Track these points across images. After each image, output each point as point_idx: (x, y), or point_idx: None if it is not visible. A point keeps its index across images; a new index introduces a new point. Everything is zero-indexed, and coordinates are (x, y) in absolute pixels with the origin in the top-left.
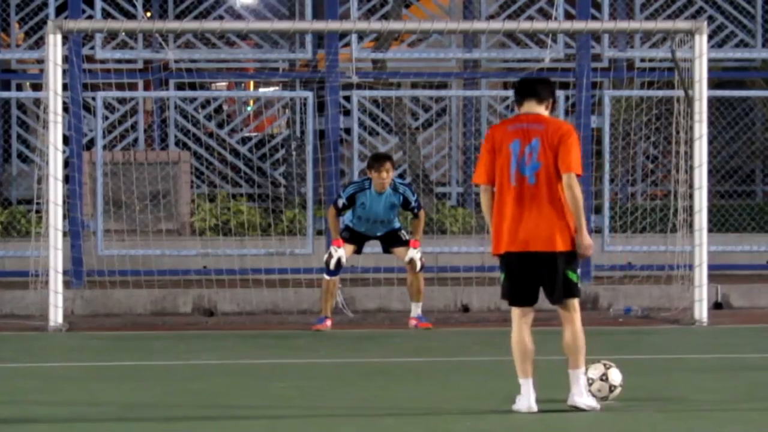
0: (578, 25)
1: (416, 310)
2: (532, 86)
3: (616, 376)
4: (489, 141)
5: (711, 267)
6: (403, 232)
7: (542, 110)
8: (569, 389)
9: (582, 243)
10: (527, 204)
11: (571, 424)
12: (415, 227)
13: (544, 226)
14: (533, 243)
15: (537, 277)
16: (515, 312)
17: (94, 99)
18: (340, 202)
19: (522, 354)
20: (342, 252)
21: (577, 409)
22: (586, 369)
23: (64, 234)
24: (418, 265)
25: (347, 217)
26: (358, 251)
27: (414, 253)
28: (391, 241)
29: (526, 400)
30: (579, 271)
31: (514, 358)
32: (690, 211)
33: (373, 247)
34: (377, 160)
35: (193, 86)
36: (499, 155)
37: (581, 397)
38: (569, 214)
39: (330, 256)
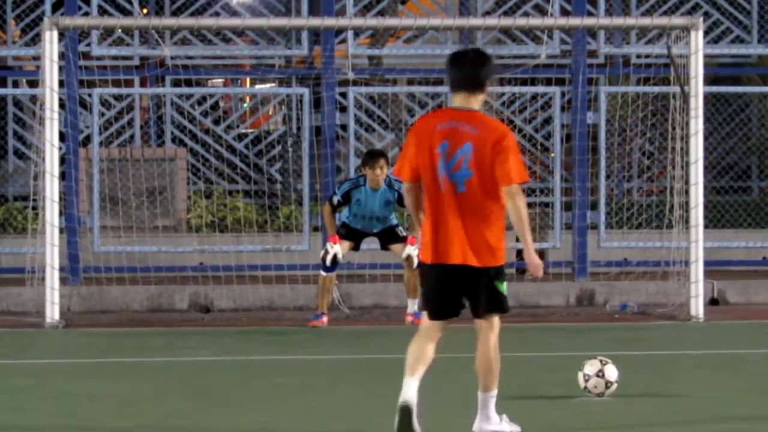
0: (574, 21)
1: (412, 306)
2: (467, 73)
3: (612, 372)
4: (414, 135)
5: (707, 263)
6: (400, 228)
7: (476, 104)
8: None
9: (531, 263)
10: (455, 214)
11: (570, 421)
12: (413, 226)
13: (472, 239)
14: (459, 256)
15: (459, 292)
16: (426, 325)
17: (90, 96)
18: (335, 199)
19: (417, 356)
20: (338, 248)
21: None
22: (582, 365)
23: (61, 231)
24: (416, 261)
25: (344, 215)
26: (356, 248)
27: (411, 250)
28: (389, 237)
29: (404, 392)
30: (505, 285)
31: (408, 357)
32: (686, 207)
33: (369, 244)
34: (372, 156)
35: (189, 83)
36: (425, 154)
37: (488, 423)
38: (500, 227)
39: (326, 252)
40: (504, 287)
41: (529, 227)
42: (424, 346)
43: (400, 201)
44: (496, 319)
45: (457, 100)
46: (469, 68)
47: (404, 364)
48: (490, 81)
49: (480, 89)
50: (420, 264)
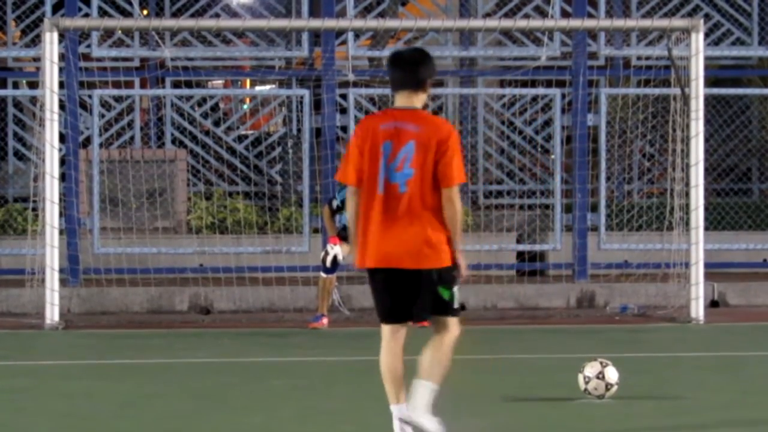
0: (574, 23)
1: None
2: (408, 72)
3: (612, 374)
4: (358, 137)
5: (707, 265)
6: None
7: (419, 102)
8: (412, 398)
9: (462, 264)
10: (396, 215)
11: (568, 421)
12: None
13: (414, 241)
14: (400, 260)
15: (404, 294)
16: (385, 330)
17: (90, 97)
18: (335, 203)
19: (393, 378)
20: (338, 249)
21: (407, 423)
22: (583, 367)
23: (61, 232)
24: None
25: (344, 218)
26: None
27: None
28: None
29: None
30: (456, 290)
31: (384, 381)
32: (686, 209)
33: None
34: None
35: (189, 84)
36: (367, 156)
37: (423, 414)
38: (443, 227)
39: (326, 253)
40: (447, 292)
41: (461, 229)
42: (394, 361)
43: None
44: (449, 323)
45: (399, 100)
46: (409, 68)
47: (386, 388)
48: (431, 79)
49: (421, 88)
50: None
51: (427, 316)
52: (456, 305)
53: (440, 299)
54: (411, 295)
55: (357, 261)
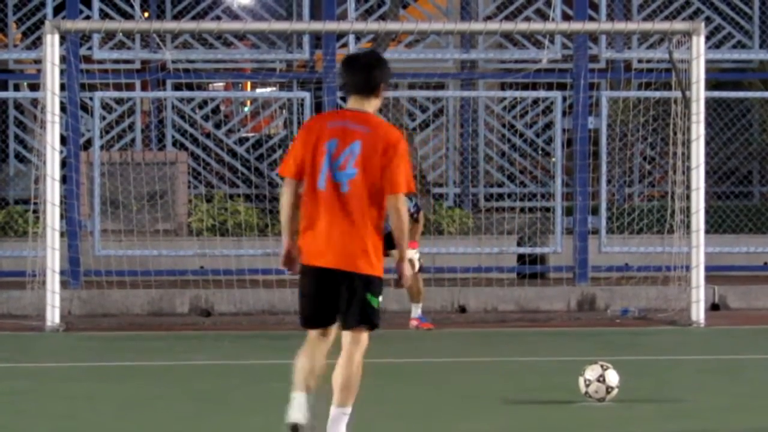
0: (575, 26)
1: (416, 310)
2: (361, 76)
3: (613, 377)
4: (303, 132)
5: (708, 268)
6: None
7: (371, 107)
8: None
9: (403, 273)
10: (335, 214)
11: (568, 424)
12: (413, 230)
13: (350, 243)
14: (334, 259)
15: (334, 297)
16: (310, 334)
17: (91, 99)
18: None
19: (309, 369)
20: None
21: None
22: (583, 370)
23: (62, 234)
24: (416, 266)
25: None
26: None
27: (411, 254)
28: (388, 243)
29: (296, 410)
30: (381, 298)
31: (296, 372)
32: (687, 212)
33: None
34: None
35: (190, 87)
36: (311, 151)
37: None
38: (380, 236)
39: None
40: (376, 301)
41: (407, 237)
42: (312, 360)
43: None
44: (364, 336)
45: (351, 104)
46: (363, 72)
47: (296, 377)
48: (385, 85)
49: (374, 93)
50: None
51: (353, 325)
52: (379, 316)
53: (368, 307)
54: (339, 299)
55: (302, 257)
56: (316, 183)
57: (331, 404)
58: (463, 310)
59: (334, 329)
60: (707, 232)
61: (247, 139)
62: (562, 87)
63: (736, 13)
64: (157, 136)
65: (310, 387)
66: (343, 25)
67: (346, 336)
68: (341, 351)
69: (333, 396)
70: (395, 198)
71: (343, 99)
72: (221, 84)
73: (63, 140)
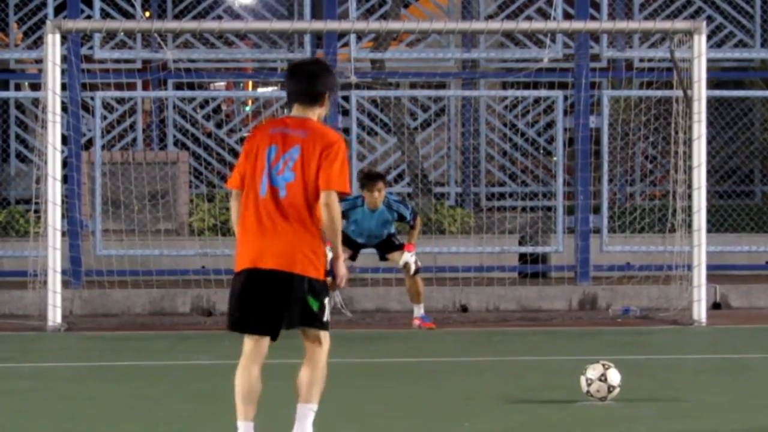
0: (577, 25)
1: (418, 310)
2: (304, 85)
3: (614, 376)
4: (247, 143)
5: (709, 267)
6: (397, 237)
7: (313, 114)
8: (292, 425)
9: (337, 272)
10: (273, 219)
11: (570, 424)
12: (411, 234)
13: (288, 246)
14: (271, 261)
15: (272, 300)
16: (246, 343)
17: (92, 99)
18: None
19: (246, 393)
20: None
21: None
22: (585, 369)
23: (63, 234)
24: (413, 268)
25: (343, 226)
26: (353, 257)
27: (408, 257)
28: (386, 247)
29: None
30: (327, 302)
31: (235, 396)
32: (689, 211)
33: (370, 248)
34: (369, 179)
35: (191, 86)
36: (252, 158)
37: None
38: (321, 239)
39: (325, 257)
40: (316, 303)
41: (339, 236)
42: (249, 379)
43: (400, 219)
44: (323, 336)
45: (294, 111)
46: (306, 81)
47: (236, 403)
48: (329, 93)
49: (318, 102)
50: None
51: (297, 323)
52: (326, 318)
53: (309, 310)
54: (277, 302)
55: (236, 266)
56: (257, 190)
57: (297, 402)
58: (464, 309)
59: (266, 342)
60: (709, 231)
61: None
62: (563, 86)
63: (738, 12)
64: (158, 136)
65: (250, 413)
66: (344, 25)
67: (306, 340)
68: (305, 354)
69: (298, 394)
70: (327, 194)
71: (345, 98)
72: (222, 83)
73: (64, 140)
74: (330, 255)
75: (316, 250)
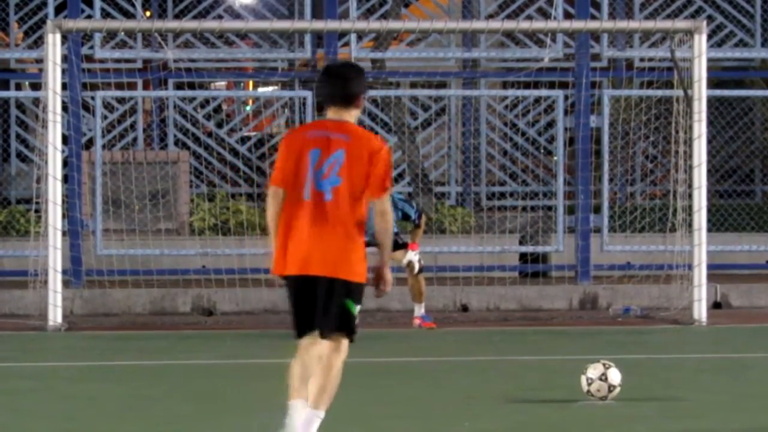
0: (577, 24)
1: (419, 310)
2: (339, 88)
3: (615, 375)
4: (285, 143)
5: (710, 267)
6: (400, 236)
7: (349, 116)
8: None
9: (384, 277)
10: (318, 223)
11: (570, 423)
12: (415, 233)
13: (332, 250)
14: (314, 266)
15: (317, 303)
16: (301, 343)
17: (93, 98)
18: None
19: (301, 373)
20: None
21: None
22: (585, 369)
23: (63, 233)
24: (416, 267)
25: None
26: None
27: (412, 256)
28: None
29: (291, 423)
30: (359, 307)
31: (290, 378)
32: (689, 210)
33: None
34: None
35: (192, 86)
36: (294, 161)
37: None
38: (363, 243)
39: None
40: (355, 309)
41: (391, 241)
42: (304, 363)
43: (404, 218)
44: (344, 343)
45: (330, 114)
46: (340, 83)
47: (290, 383)
48: (363, 95)
49: (353, 104)
50: (281, 277)
51: (331, 328)
52: (356, 324)
53: (348, 313)
54: (318, 306)
55: (274, 267)
56: (301, 193)
57: (306, 405)
58: (465, 309)
59: (317, 342)
60: (709, 230)
61: (248, 138)
62: (563, 86)
63: (738, 11)
64: (158, 136)
65: (303, 392)
66: (344, 24)
67: (326, 343)
68: (322, 358)
69: (309, 397)
70: (381, 202)
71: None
72: (223, 83)
73: (65, 140)
74: None
75: (359, 255)
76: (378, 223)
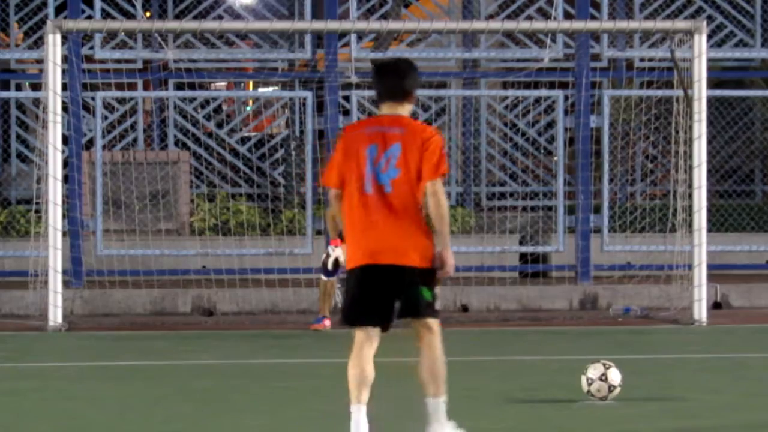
0: (577, 24)
1: None
2: (394, 84)
3: (615, 375)
4: (342, 142)
5: (710, 267)
6: None
7: (404, 111)
8: (427, 421)
9: (446, 261)
10: (381, 214)
11: (570, 423)
12: None
13: (398, 239)
14: (384, 256)
15: (386, 293)
16: (358, 336)
17: (93, 99)
18: None
19: (360, 379)
20: (340, 251)
21: None
22: (586, 369)
23: (64, 234)
24: None
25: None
26: None
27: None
28: None
29: (356, 429)
30: (437, 290)
31: (349, 382)
32: (689, 210)
33: None
34: None
35: (192, 86)
36: (352, 159)
37: (443, 429)
38: (427, 230)
39: (327, 256)
40: (429, 292)
41: (448, 223)
42: (361, 365)
43: None
44: (433, 324)
45: (384, 109)
46: (394, 79)
47: (350, 388)
48: (416, 90)
49: (407, 98)
50: (347, 270)
51: (416, 316)
52: (437, 306)
53: (423, 300)
54: (391, 295)
55: (348, 263)
56: (363, 188)
57: (427, 398)
58: (465, 309)
59: (378, 334)
60: (709, 230)
61: (249, 138)
62: (564, 86)
63: (738, 11)
64: (159, 136)
65: (363, 396)
66: (345, 25)
67: (419, 329)
68: (419, 346)
69: (425, 389)
70: (432, 184)
71: (346, 98)
72: (223, 83)
73: (65, 140)
74: (332, 254)
75: (425, 241)
76: (431, 206)
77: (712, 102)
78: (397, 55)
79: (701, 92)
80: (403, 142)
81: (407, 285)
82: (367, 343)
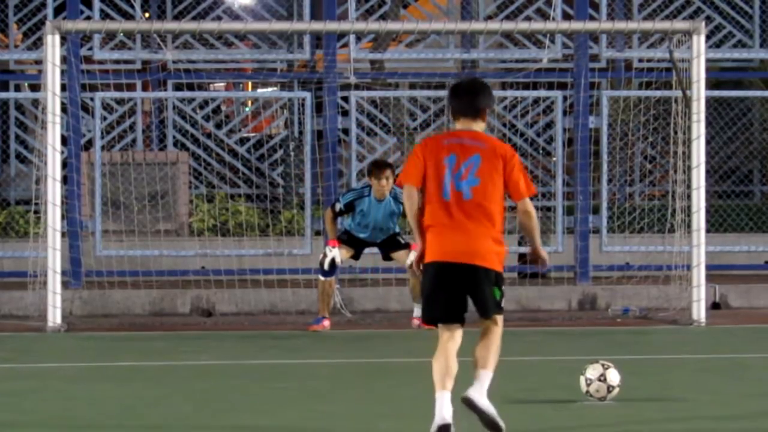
0: (576, 25)
1: (418, 310)
2: (469, 102)
3: (614, 376)
4: (422, 147)
5: (709, 267)
6: (402, 236)
7: (477, 126)
8: (471, 383)
9: (541, 254)
10: (461, 219)
11: (571, 424)
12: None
13: (476, 242)
14: (461, 256)
15: (460, 290)
16: (443, 334)
17: (92, 99)
18: (338, 206)
19: (444, 371)
20: (336, 252)
21: (469, 404)
22: (584, 369)
23: (63, 234)
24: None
25: (347, 223)
26: (356, 257)
27: (413, 256)
28: (390, 246)
29: (439, 411)
30: (504, 291)
31: (434, 373)
32: (688, 211)
33: (370, 248)
34: (377, 167)
35: (191, 87)
36: (432, 165)
37: (483, 396)
38: (501, 236)
39: (324, 256)
40: (499, 293)
41: (539, 233)
42: (446, 360)
43: (405, 215)
44: (500, 318)
45: (460, 125)
46: (468, 97)
47: (435, 378)
48: (489, 108)
49: (480, 116)
50: (424, 266)
51: (486, 313)
52: (503, 304)
53: (494, 299)
54: (467, 293)
55: (426, 257)
56: (441, 194)
57: (477, 369)
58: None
59: (460, 330)
60: (708, 231)
61: (248, 139)
62: (562, 86)
63: (737, 12)
64: (158, 137)
65: (447, 386)
66: (343, 25)
67: (485, 322)
68: (483, 331)
69: (479, 361)
70: (523, 203)
71: (345, 99)
72: (222, 84)
73: (64, 141)
74: (329, 254)
75: (498, 246)
76: (524, 221)
77: (710, 102)
78: (404, 56)
79: (700, 93)
80: (482, 154)
81: (480, 283)
82: (450, 340)
